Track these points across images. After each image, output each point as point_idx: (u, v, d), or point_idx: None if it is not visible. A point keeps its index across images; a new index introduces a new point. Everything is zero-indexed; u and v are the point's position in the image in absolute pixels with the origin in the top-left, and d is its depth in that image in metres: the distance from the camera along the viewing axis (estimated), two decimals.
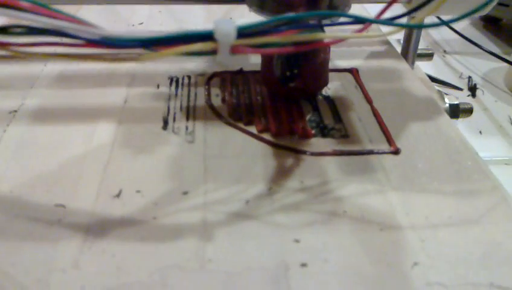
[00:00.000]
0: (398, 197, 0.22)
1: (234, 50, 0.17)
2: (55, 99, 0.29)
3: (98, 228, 0.20)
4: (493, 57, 0.52)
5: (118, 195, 0.22)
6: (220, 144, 0.26)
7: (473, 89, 0.48)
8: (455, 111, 0.35)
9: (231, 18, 0.17)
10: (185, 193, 0.22)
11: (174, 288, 0.18)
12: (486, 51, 0.53)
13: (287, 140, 0.26)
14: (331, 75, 0.31)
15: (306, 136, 0.26)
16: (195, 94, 0.30)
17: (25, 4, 0.16)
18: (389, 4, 0.20)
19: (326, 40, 0.19)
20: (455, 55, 0.55)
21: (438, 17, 0.32)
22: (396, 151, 0.25)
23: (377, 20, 0.19)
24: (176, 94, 0.30)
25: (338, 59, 0.35)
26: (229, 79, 0.32)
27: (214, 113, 0.28)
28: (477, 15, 0.45)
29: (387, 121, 0.28)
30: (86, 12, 0.40)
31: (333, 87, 0.31)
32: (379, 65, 0.35)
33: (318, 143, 0.26)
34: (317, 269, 0.19)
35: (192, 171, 0.24)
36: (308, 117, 0.28)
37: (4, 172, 0.23)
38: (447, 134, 0.27)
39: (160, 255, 0.19)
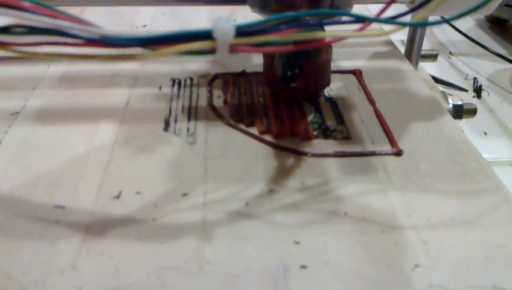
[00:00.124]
0: (400, 198, 0.22)
1: (233, 49, 0.17)
2: (58, 100, 0.29)
3: (97, 229, 0.20)
4: (499, 59, 0.52)
5: (118, 196, 0.22)
6: (221, 146, 0.25)
7: (478, 90, 0.48)
8: (459, 112, 0.35)
9: (235, 20, 0.17)
10: (185, 194, 0.22)
11: (172, 289, 0.18)
12: (492, 52, 0.52)
13: (289, 141, 0.26)
14: (333, 76, 0.31)
15: (308, 137, 0.26)
16: (197, 95, 0.30)
17: (26, 4, 0.16)
18: (389, 3, 0.20)
19: (326, 39, 0.19)
20: (461, 56, 0.55)
21: (442, 17, 0.32)
22: (398, 153, 0.25)
23: (378, 19, 0.18)
24: (178, 95, 0.30)
25: (341, 60, 0.35)
26: (231, 80, 0.32)
27: (216, 115, 0.28)
28: (479, 14, 0.44)
29: (390, 122, 0.28)
30: (89, 15, 0.40)
31: (336, 88, 0.31)
32: (382, 66, 0.34)
33: (320, 144, 0.26)
34: (317, 271, 0.19)
35: (193, 172, 0.24)
36: (310, 118, 0.28)
37: (5, 172, 0.23)
38: (450, 135, 0.27)
39: (158, 256, 0.19)
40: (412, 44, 0.37)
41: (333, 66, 0.29)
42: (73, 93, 0.30)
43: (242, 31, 0.17)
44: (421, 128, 0.27)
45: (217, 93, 0.30)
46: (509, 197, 0.22)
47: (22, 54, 0.18)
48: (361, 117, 0.28)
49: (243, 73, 0.33)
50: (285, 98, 0.29)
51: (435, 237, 0.20)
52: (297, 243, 0.20)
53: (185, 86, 0.31)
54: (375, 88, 0.31)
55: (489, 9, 0.28)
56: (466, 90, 0.48)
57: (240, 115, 0.28)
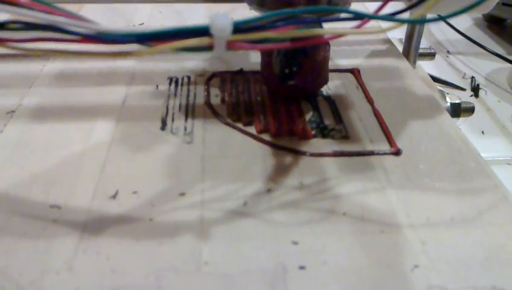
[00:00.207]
0: (399, 198, 0.22)
1: (230, 45, 0.17)
2: (54, 98, 0.29)
3: (94, 229, 0.20)
4: (497, 58, 0.52)
5: (114, 196, 0.22)
6: (218, 145, 0.25)
7: (475, 89, 0.47)
8: (456, 110, 0.35)
9: (232, 18, 0.17)
10: (182, 194, 0.22)
11: None
12: (489, 51, 0.52)
13: (287, 141, 0.26)
14: (332, 75, 0.31)
15: (306, 136, 0.26)
16: (195, 94, 0.30)
17: (23, 0, 0.16)
18: (387, 0, 0.19)
19: (324, 36, 0.19)
20: (458, 55, 0.55)
21: (439, 15, 0.32)
22: (397, 152, 0.25)
23: (375, 16, 0.18)
24: (175, 94, 0.30)
25: (339, 58, 0.35)
26: (229, 79, 0.32)
27: (213, 114, 0.28)
28: (477, 12, 0.44)
29: (389, 121, 0.27)
30: (87, 13, 0.39)
31: (334, 87, 0.31)
32: (380, 64, 0.34)
33: (318, 144, 0.26)
34: (316, 272, 0.18)
35: (190, 172, 0.23)
36: (308, 117, 0.28)
37: (1, 171, 0.23)
38: (449, 134, 0.26)
39: (156, 257, 0.19)
40: (410, 42, 0.37)
41: (331, 64, 0.29)
42: (70, 91, 0.30)
43: (239, 28, 0.17)
44: (420, 127, 0.27)
45: (215, 91, 0.30)
46: (508, 197, 0.22)
47: (18, 50, 0.18)
48: (359, 116, 0.28)
49: (241, 71, 0.32)
50: (283, 96, 0.29)
51: (435, 237, 0.20)
52: (295, 243, 0.20)
53: (182, 84, 0.31)
54: (373, 86, 0.31)
55: (487, 7, 0.28)
56: (464, 89, 0.48)
57: (237, 113, 0.28)
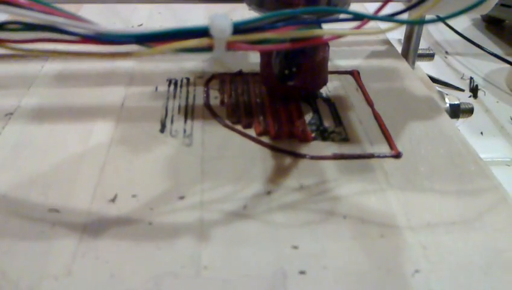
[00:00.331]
0: (399, 200, 0.22)
1: (230, 46, 0.17)
2: (53, 99, 0.29)
3: (93, 233, 0.20)
4: (495, 58, 0.52)
5: (113, 199, 0.22)
6: (218, 147, 0.25)
7: (474, 90, 0.47)
8: (456, 111, 0.35)
9: (232, 19, 0.17)
10: (182, 198, 0.22)
11: None
12: (488, 52, 0.52)
13: (286, 143, 0.26)
14: (331, 76, 0.31)
15: (306, 139, 0.26)
16: (194, 96, 0.30)
17: (21, 0, 0.16)
18: (386, 1, 0.19)
19: (323, 37, 0.19)
20: (457, 56, 0.55)
21: (437, 16, 0.32)
22: (397, 155, 0.25)
23: (375, 17, 0.18)
24: (174, 95, 0.30)
25: (338, 58, 0.35)
26: (229, 80, 0.31)
27: (213, 115, 0.28)
28: (475, 13, 0.44)
29: (388, 123, 0.27)
30: (85, 13, 0.39)
31: (333, 88, 0.31)
32: (379, 65, 0.34)
33: (318, 146, 0.26)
34: (316, 276, 0.18)
35: (189, 175, 0.23)
36: (308, 120, 0.28)
37: None
38: (449, 137, 0.26)
39: (155, 261, 0.19)
40: (409, 43, 0.37)
41: (330, 65, 0.29)
42: (69, 92, 0.30)
43: (239, 28, 0.17)
44: (419, 129, 0.27)
45: (214, 93, 0.30)
46: (509, 201, 0.22)
47: (16, 50, 0.18)
48: (359, 118, 0.28)
49: (240, 73, 0.32)
50: (282, 97, 0.29)
51: (435, 241, 0.20)
52: (295, 247, 0.19)
53: (181, 85, 0.31)
54: (373, 87, 0.31)
55: (486, 8, 0.28)
56: (462, 90, 0.48)
57: (237, 115, 0.28)
